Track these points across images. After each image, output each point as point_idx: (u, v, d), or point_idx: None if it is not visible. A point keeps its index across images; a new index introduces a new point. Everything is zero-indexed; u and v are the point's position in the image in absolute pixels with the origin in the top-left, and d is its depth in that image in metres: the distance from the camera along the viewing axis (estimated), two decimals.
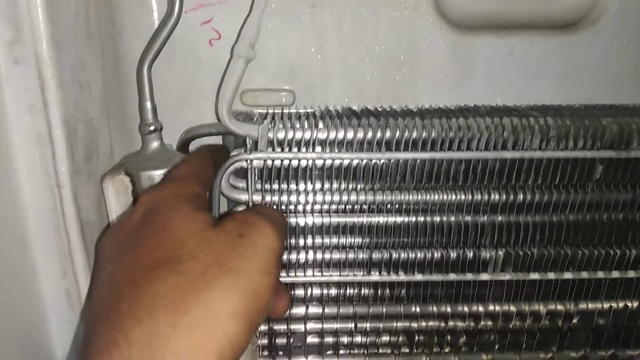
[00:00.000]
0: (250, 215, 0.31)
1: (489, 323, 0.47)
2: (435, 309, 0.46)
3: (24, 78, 0.33)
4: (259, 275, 0.27)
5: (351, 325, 0.47)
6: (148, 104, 0.39)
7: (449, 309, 0.46)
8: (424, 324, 0.47)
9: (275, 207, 0.42)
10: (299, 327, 0.46)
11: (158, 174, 0.38)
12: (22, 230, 0.35)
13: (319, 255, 0.44)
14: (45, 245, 0.35)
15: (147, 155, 0.40)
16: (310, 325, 0.46)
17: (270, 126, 0.41)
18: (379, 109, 0.48)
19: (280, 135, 0.41)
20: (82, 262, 0.35)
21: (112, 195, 0.38)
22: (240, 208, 0.42)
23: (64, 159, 0.34)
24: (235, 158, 0.40)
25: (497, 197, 0.43)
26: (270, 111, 0.48)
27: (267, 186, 0.43)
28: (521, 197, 0.43)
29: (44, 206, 0.35)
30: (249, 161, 0.41)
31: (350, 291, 0.47)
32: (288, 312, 0.45)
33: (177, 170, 0.35)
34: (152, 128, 0.39)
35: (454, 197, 0.43)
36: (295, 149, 0.42)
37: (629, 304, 0.47)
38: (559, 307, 0.46)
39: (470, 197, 0.43)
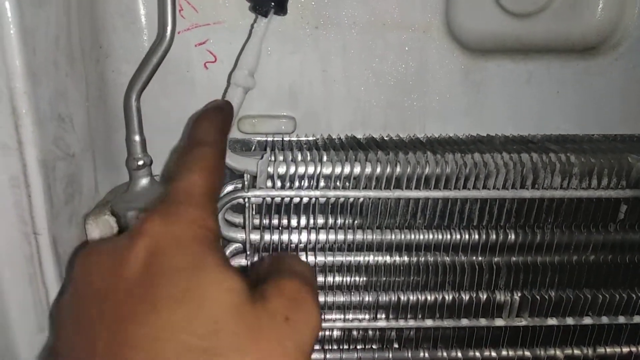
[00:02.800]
0: (299, 288, 0.24)
1: None
2: (445, 354, 0.43)
3: None
4: None
5: None
6: (137, 137, 0.36)
7: (459, 354, 0.43)
8: None
9: (276, 246, 0.39)
10: None
11: None
12: None
13: (322, 298, 0.41)
14: (20, 297, 0.32)
15: (136, 192, 0.36)
16: None
17: (270, 160, 0.38)
18: (385, 138, 0.45)
19: (281, 170, 0.38)
20: None
21: (97, 237, 0.34)
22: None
23: (41, 204, 0.30)
24: (231, 195, 0.37)
25: (513, 237, 0.40)
26: (270, 139, 0.45)
27: (266, 221, 0.39)
28: (539, 237, 0.40)
29: (19, 255, 0.31)
30: (246, 199, 0.37)
31: (354, 333, 0.43)
32: None
33: (186, 181, 0.26)
34: (140, 163, 0.36)
35: (467, 236, 0.40)
36: (296, 183, 0.38)
37: None
38: (577, 352, 0.44)
39: (484, 237, 0.40)
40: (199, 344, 0.20)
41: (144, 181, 0.36)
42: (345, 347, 0.43)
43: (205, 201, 0.25)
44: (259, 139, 0.44)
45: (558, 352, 0.43)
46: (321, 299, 0.41)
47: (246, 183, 0.37)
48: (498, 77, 0.46)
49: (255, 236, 0.39)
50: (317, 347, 0.43)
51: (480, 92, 0.46)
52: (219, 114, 0.34)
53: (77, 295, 0.24)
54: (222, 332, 0.21)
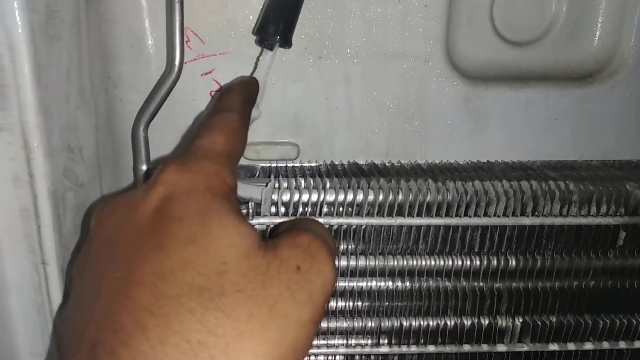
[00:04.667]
0: (313, 240, 0.24)
1: None
2: None
3: (8, 147, 0.30)
4: (306, 327, 0.21)
5: None
6: (144, 167, 0.36)
7: None
8: None
9: None
10: None
11: None
12: (3, 309, 0.32)
13: (324, 324, 0.41)
14: (29, 325, 0.32)
15: None
16: None
17: (274, 187, 0.38)
18: (387, 165, 0.46)
19: (285, 197, 0.38)
20: None
21: None
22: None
23: (50, 234, 0.31)
24: None
25: (514, 263, 0.40)
26: (273, 165, 0.45)
27: None
28: (539, 263, 0.40)
29: (27, 284, 0.32)
30: None
31: (357, 359, 0.44)
32: None
33: (207, 138, 0.26)
34: None
35: (469, 262, 0.40)
36: (300, 210, 0.39)
37: None
38: None
39: (486, 263, 0.40)
40: (204, 283, 0.20)
41: None
42: None
43: (224, 159, 0.25)
44: (262, 165, 0.45)
45: None
46: (324, 324, 0.41)
47: (250, 211, 0.38)
48: (497, 104, 0.47)
49: None
50: None
51: (480, 119, 0.47)
52: (244, 88, 0.34)
53: (91, 244, 0.24)
54: (229, 273, 0.20)
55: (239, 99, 0.32)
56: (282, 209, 0.38)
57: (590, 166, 0.45)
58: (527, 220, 0.39)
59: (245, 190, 0.38)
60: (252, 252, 0.21)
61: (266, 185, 0.38)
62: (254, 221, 0.38)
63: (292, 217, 0.38)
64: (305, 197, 0.38)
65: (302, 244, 0.23)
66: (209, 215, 0.22)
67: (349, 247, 0.41)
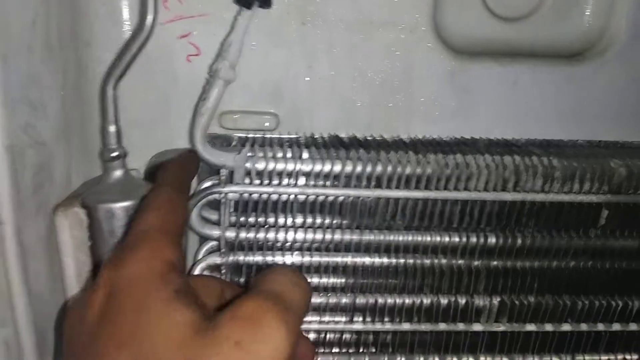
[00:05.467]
0: (259, 305, 0.22)
1: None
2: (422, 359, 0.42)
3: None
4: None
5: None
6: (112, 128, 0.35)
7: None
8: None
9: (252, 244, 0.38)
10: None
11: (119, 207, 0.33)
12: None
13: None
14: None
15: (108, 184, 0.35)
16: None
17: (248, 156, 0.37)
18: (369, 138, 0.44)
19: (260, 166, 0.37)
20: (23, 309, 0.31)
21: (66, 230, 0.33)
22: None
23: (6, 190, 0.29)
24: (207, 191, 0.36)
25: (493, 240, 0.39)
26: (251, 136, 0.44)
27: (243, 219, 0.39)
28: (520, 241, 0.39)
29: None
30: (223, 195, 0.37)
31: (330, 336, 0.43)
32: None
33: (141, 222, 0.26)
34: (114, 155, 0.35)
35: (447, 239, 0.39)
36: (275, 181, 0.38)
37: (628, 358, 0.44)
38: (555, 359, 0.43)
39: (465, 239, 0.39)
40: None
41: (118, 173, 0.36)
42: (321, 350, 0.42)
43: (159, 236, 0.25)
44: (240, 135, 0.44)
45: (536, 359, 0.42)
46: None
47: (223, 178, 0.37)
48: (484, 79, 0.45)
49: (230, 234, 0.38)
50: None
51: (466, 94, 0.45)
52: (182, 160, 0.36)
53: (63, 348, 0.25)
54: None
55: (173, 171, 0.33)
56: (257, 180, 0.37)
57: (575, 145, 0.44)
58: (508, 196, 0.38)
59: (217, 156, 0.37)
60: (188, 341, 0.21)
61: (239, 153, 0.37)
62: (226, 189, 0.36)
63: (269, 185, 0.37)
64: (280, 167, 0.37)
65: (245, 314, 0.22)
66: (145, 309, 0.22)
67: (325, 220, 0.39)
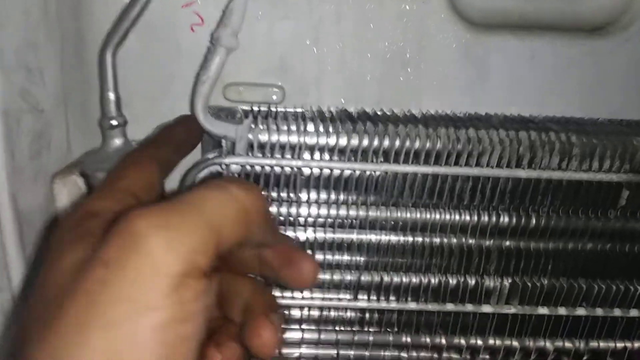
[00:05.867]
0: (133, 223, 0.19)
1: (487, 357, 0.42)
2: (428, 339, 0.41)
3: None
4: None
5: (334, 352, 0.42)
6: (111, 95, 0.34)
7: (443, 341, 0.41)
8: (414, 354, 0.42)
9: None
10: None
11: None
12: None
13: None
14: None
15: (108, 153, 0.34)
16: (288, 351, 0.41)
17: (251, 127, 0.36)
18: (378, 113, 0.43)
19: (263, 137, 0.36)
20: (19, 272, 0.30)
21: (64, 198, 0.33)
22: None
23: (1, 154, 0.29)
24: (208, 162, 0.35)
25: (506, 220, 0.38)
26: (256, 108, 0.43)
27: None
28: (534, 221, 0.38)
29: None
30: (224, 166, 0.36)
31: (334, 313, 0.42)
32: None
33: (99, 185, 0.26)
34: (114, 123, 0.34)
35: (457, 217, 0.38)
36: (279, 154, 0.37)
37: None
38: (568, 344, 0.41)
39: (476, 218, 0.38)
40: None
41: (117, 142, 0.35)
42: (324, 328, 0.41)
43: (99, 193, 0.24)
44: (244, 107, 0.42)
45: (548, 344, 0.41)
46: None
47: (225, 149, 0.36)
48: (500, 53, 0.43)
49: None
50: (294, 326, 0.41)
51: (482, 68, 0.43)
52: (181, 122, 0.36)
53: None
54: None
55: (161, 134, 0.34)
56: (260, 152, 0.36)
57: (595, 123, 0.42)
58: (522, 173, 0.36)
59: (218, 127, 0.36)
60: (77, 272, 0.20)
61: (242, 122, 0.36)
62: (227, 160, 0.35)
63: (268, 159, 0.36)
64: (283, 139, 0.36)
65: (120, 230, 0.20)
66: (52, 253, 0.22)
67: (330, 196, 0.38)
